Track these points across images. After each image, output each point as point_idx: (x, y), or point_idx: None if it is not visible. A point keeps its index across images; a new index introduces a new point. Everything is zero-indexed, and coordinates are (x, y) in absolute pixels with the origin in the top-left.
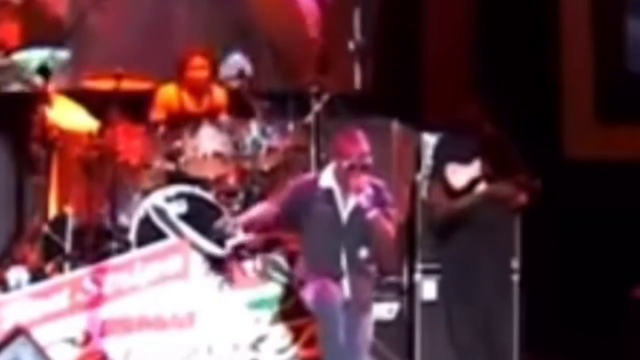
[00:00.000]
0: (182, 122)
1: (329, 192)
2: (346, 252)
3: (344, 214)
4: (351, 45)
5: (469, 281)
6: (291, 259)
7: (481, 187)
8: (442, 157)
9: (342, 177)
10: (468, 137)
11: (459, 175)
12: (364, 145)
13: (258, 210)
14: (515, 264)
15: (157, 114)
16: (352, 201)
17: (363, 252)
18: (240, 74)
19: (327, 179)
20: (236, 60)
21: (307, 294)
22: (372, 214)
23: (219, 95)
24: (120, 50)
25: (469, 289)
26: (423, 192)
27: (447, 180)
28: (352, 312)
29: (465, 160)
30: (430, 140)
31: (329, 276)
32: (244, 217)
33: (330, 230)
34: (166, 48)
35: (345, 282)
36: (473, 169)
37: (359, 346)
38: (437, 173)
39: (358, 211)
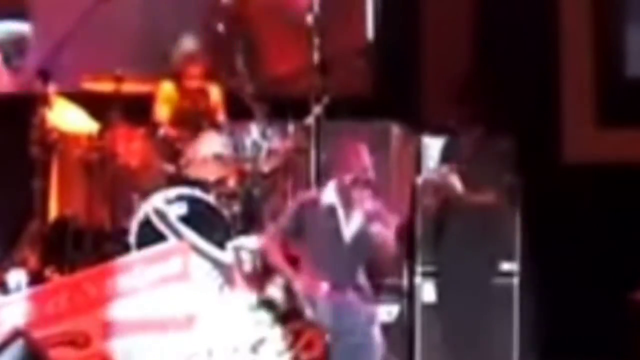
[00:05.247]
0: (182, 122)
1: (331, 209)
2: (347, 269)
3: (346, 231)
4: (309, 19)
5: (459, 284)
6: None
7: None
8: (441, 159)
9: (345, 192)
10: (458, 138)
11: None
12: (366, 159)
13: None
14: (513, 267)
15: (160, 109)
16: (356, 219)
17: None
18: None
19: (329, 195)
20: None
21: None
22: (375, 227)
23: (215, 94)
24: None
25: (459, 291)
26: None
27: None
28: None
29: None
30: (430, 142)
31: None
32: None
33: (331, 246)
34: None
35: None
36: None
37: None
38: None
39: (362, 230)
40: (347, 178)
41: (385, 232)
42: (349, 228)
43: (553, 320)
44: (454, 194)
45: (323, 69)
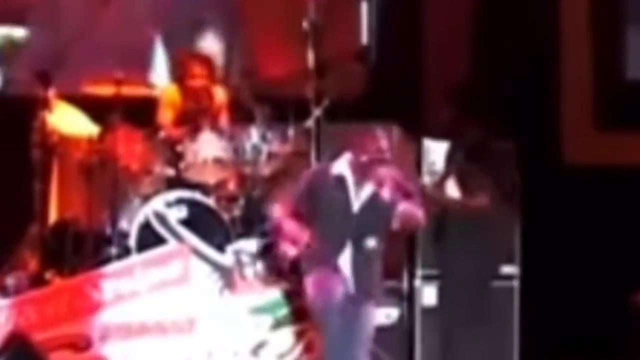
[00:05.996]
0: (184, 123)
1: (340, 180)
2: (353, 240)
3: (356, 202)
4: (305, 25)
5: (457, 287)
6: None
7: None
8: (442, 163)
9: (360, 171)
10: (458, 141)
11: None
12: (383, 142)
13: (277, 209)
14: (513, 269)
15: (164, 113)
16: (366, 190)
17: (371, 242)
18: None
19: (339, 166)
20: None
21: (308, 286)
22: (402, 206)
23: (219, 94)
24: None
25: (457, 294)
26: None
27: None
28: (355, 301)
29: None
30: (431, 145)
31: (332, 264)
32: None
33: (339, 217)
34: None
35: (350, 270)
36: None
37: (360, 337)
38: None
39: (372, 201)
40: (363, 158)
41: (413, 206)
42: (359, 199)
43: (555, 321)
44: (452, 203)
45: (321, 72)
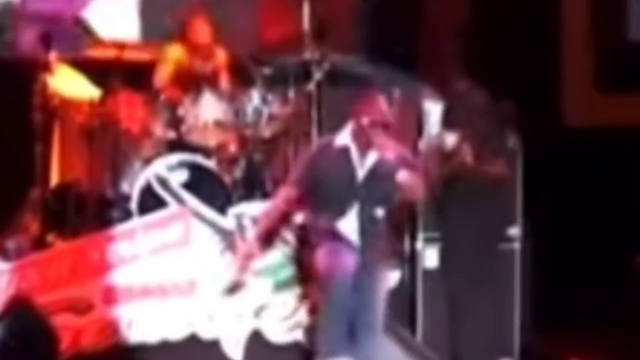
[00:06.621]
0: (186, 84)
1: (344, 151)
2: (360, 210)
3: (360, 172)
4: None
5: (460, 250)
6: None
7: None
8: (443, 125)
9: (363, 136)
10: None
11: (448, 140)
12: (384, 105)
13: (280, 195)
14: (515, 231)
15: (164, 70)
16: (370, 159)
17: (379, 212)
18: None
19: (343, 137)
20: None
21: (319, 261)
22: (402, 176)
23: (220, 56)
24: None
25: (459, 257)
26: None
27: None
28: (366, 270)
29: (454, 126)
30: (432, 108)
31: (338, 236)
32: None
33: (344, 188)
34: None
35: (358, 239)
36: (456, 135)
37: (374, 306)
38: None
39: (377, 169)
40: (365, 120)
41: (413, 177)
42: (364, 169)
43: (556, 283)
44: (464, 164)
45: (319, 34)
